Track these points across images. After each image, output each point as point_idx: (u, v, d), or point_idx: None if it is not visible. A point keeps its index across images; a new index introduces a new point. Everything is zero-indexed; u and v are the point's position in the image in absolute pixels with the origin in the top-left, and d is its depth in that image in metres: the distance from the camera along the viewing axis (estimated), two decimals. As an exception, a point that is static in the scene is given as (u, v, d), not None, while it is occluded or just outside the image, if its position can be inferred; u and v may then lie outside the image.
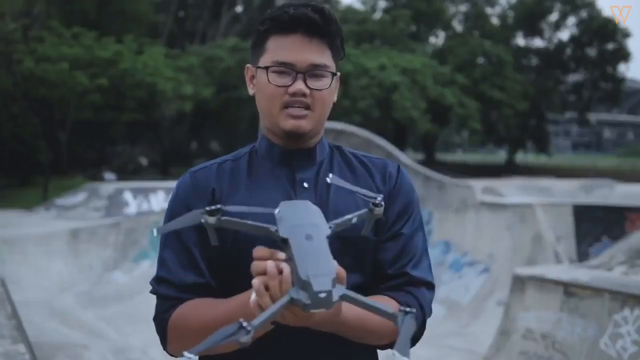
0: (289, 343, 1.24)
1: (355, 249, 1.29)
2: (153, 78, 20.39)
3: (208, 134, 32.39)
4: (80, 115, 21.44)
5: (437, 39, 37.18)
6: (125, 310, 7.73)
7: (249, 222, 0.99)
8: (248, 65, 1.38)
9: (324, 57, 1.29)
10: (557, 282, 4.56)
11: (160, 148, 27.80)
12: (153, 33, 27.62)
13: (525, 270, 5.19)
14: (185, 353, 0.81)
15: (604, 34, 34.11)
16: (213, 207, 0.96)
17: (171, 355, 1.30)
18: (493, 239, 8.26)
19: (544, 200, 9.09)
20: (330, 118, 1.47)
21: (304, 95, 1.27)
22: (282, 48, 1.27)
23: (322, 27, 1.28)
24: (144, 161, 27.80)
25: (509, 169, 30.67)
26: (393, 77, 24.89)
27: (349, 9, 32.73)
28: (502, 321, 5.15)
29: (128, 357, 5.94)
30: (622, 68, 58.16)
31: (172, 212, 1.32)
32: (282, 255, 0.97)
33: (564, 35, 40.65)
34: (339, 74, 1.36)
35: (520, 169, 31.18)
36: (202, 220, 0.96)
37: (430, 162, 30.01)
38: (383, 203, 1.08)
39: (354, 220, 1.06)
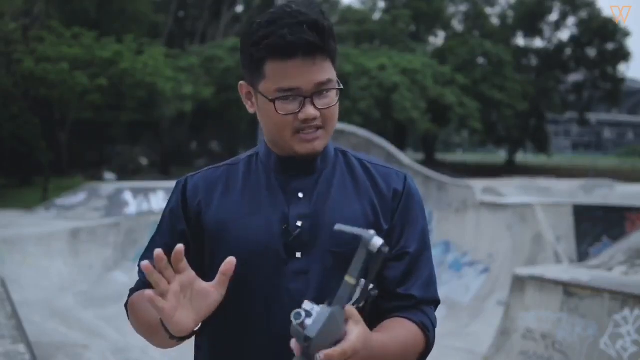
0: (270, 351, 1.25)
1: (349, 264, 1.26)
2: (153, 78, 20.37)
3: (208, 134, 32.37)
4: (80, 115, 21.45)
5: (437, 39, 37.22)
6: (125, 310, 7.72)
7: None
8: (242, 82, 1.32)
9: (327, 72, 1.25)
10: (557, 282, 4.56)
11: (160, 148, 27.79)
12: (153, 33, 27.58)
13: (525, 270, 5.19)
14: None
15: (604, 34, 34.09)
16: None
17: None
18: (493, 239, 8.26)
19: (544, 200, 9.08)
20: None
21: (314, 119, 1.24)
22: (284, 74, 1.22)
23: (321, 47, 1.23)
24: (144, 161, 27.79)
25: (508, 169, 30.65)
26: (393, 77, 24.88)
27: (349, 9, 32.71)
28: (502, 321, 5.15)
29: (128, 357, 5.94)
30: (622, 68, 58.12)
31: (163, 214, 1.42)
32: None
33: (564, 35, 40.63)
34: (341, 86, 1.31)
35: (520, 169, 31.17)
36: None
37: (430, 162, 30.01)
38: (384, 249, 1.08)
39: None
